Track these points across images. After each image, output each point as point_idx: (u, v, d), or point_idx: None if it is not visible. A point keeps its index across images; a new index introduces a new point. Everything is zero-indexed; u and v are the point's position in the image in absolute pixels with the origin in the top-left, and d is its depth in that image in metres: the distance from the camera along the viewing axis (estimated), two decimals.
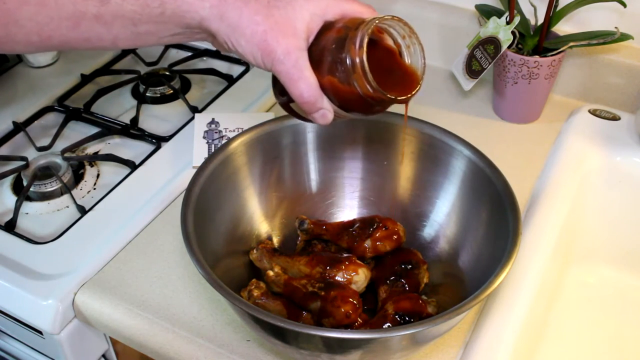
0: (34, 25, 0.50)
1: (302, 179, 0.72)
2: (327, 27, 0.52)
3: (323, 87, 0.52)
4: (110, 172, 0.86)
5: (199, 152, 0.84)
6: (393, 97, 0.51)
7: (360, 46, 0.49)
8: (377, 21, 0.51)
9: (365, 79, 0.49)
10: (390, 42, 0.55)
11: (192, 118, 0.91)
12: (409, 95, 0.53)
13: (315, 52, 0.51)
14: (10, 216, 0.78)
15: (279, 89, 0.55)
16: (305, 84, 0.50)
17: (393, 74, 0.54)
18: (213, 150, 0.83)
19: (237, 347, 0.63)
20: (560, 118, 0.91)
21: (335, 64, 0.50)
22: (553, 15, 0.84)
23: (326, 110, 0.52)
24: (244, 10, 0.49)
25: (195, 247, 0.56)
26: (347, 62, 0.49)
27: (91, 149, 0.90)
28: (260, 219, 0.70)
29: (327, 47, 0.51)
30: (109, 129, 0.92)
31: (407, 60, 0.55)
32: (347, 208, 0.73)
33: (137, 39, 0.52)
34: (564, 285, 0.85)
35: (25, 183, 0.82)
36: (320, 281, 0.61)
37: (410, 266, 0.65)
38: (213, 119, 0.89)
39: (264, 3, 0.50)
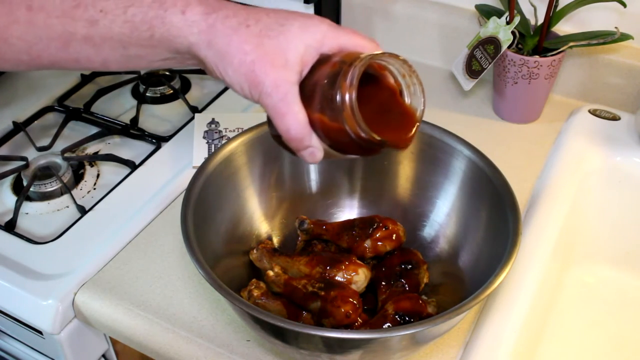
0: (23, 45, 0.49)
1: (302, 179, 0.72)
2: (322, 60, 0.49)
3: (313, 125, 0.48)
4: (110, 172, 0.86)
5: (199, 152, 0.84)
6: (380, 139, 0.47)
7: (351, 83, 0.45)
8: (371, 57, 0.47)
9: (354, 118, 0.46)
10: (392, 79, 0.52)
11: (192, 118, 0.91)
12: (401, 141, 0.49)
13: (307, 87, 0.48)
14: (10, 216, 0.78)
15: (269, 120, 0.52)
16: (293, 119, 0.47)
17: (391, 114, 0.51)
18: (213, 150, 0.83)
19: (237, 347, 0.63)
20: (560, 118, 0.91)
21: (326, 100, 0.47)
22: (553, 15, 0.84)
23: (315, 149, 0.49)
24: (233, 38, 0.47)
25: (195, 247, 0.56)
26: (337, 99, 0.46)
27: (91, 149, 0.90)
28: (260, 219, 0.70)
29: (319, 81, 0.48)
30: (109, 129, 0.92)
31: (407, 100, 0.51)
32: (347, 208, 0.73)
33: (128, 62, 0.51)
34: (564, 285, 0.84)
35: (25, 183, 0.82)
36: (320, 281, 0.61)
37: (410, 266, 0.65)
38: (213, 119, 0.89)
39: (255, 32, 0.47)
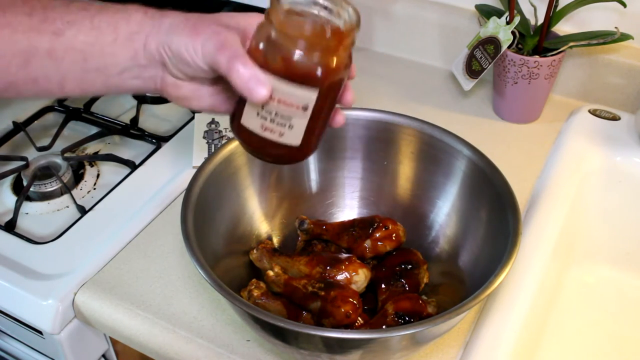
0: None
1: (302, 179, 0.72)
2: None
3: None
4: (110, 172, 0.86)
5: (199, 152, 0.84)
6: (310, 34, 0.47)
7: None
8: None
9: (277, 10, 0.47)
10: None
11: (192, 118, 0.91)
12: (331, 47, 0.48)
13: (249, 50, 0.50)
14: (10, 216, 0.78)
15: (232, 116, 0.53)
16: (242, 61, 0.47)
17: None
18: (213, 150, 0.83)
19: (237, 347, 0.63)
20: (560, 118, 0.91)
21: (261, 36, 0.48)
22: (553, 15, 0.84)
23: (263, 79, 0.48)
24: (190, 20, 0.50)
25: (195, 247, 0.56)
26: (268, 30, 0.47)
27: (91, 149, 0.90)
28: (260, 219, 0.70)
29: (253, 40, 0.49)
30: (109, 129, 0.92)
31: (341, 24, 0.49)
32: (347, 208, 0.73)
33: (85, 80, 0.51)
34: (564, 285, 0.84)
35: (25, 183, 0.82)
36: (320, 281, 0.61)
37: (410, 266, 0.65)
38: (213, 119, 0.89)
39: (205, 17, 0.50)
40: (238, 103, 0.52)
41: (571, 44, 0.83)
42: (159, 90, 0.53)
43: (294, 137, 0.50)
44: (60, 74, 0.51)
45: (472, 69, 0.87)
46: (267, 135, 0.50)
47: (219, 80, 0.52)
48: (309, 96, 0.49)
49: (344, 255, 0.65)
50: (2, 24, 0.49)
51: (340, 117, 0.54)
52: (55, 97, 0.54)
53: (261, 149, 0.52)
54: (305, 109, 0.49)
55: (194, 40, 0.48)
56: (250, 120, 0.51)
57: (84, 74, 0.51)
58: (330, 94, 0.50)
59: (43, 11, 0.50)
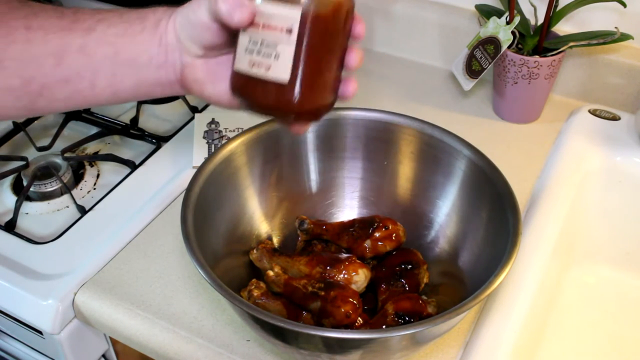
0: (17, 66, 0.50)
1: (302, 179, 0.72)
2: None
3: None
4: (110, 172, 0.86)
5: (199, 152, 0.84)
6: None
7: None
8: None
9: None
10: None
11: (192, 118, 0.91)
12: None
13: None
14: (10, 216, 0.78)
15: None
16: None
17: None
18: (213, 150, 0.83)
19: (237, 347, 0.63)
20: (560, 118, 0.91)
21: None
22: (553, 15, 0.84)
23: (243, 4, 0.48)
24: None
25: (195, 247, 0.56)
26: None
27: (91, 149, 0.90)
28: (260, 219, 0.70)
29: None
30: (109, 129, 0.92)
31: None
32: (347, 208, 0.73)
33: (116, 74, 0.52)
34: (564, 285, 0.84)
35: (25, 183, 0.82)
36: (320, 281, 0.61)
37: (410, 266, 0.65)
38: (213, 119, 0.89)
39: None
40: (234, 52, 0.50)
41: (571, 44, 0.83)
42: (178, 79, 0.53)
43: (281, 69, 0.47)
44: (92, 69, 0.51)
45: (472, 69, 0.87)
46: (255, 71, 0.48)
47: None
48: (292, 15, 0.46)
49: (344, 255, 0.65)
50: (35, 26, 0.50)
51: (355, 55, 0.50)
52: (87, 101, 0.54)
53: (251, 91, 0.49)
54: (289, 31, 0.46)
55: (199, 1, 0.50)
56: (241, 61, 0.48)
57: (115, 68, 0.51)
58: (320, 19, 0.46)
59: (74, 14, 0.51)
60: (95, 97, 0.53)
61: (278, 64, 0.47)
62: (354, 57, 0.50)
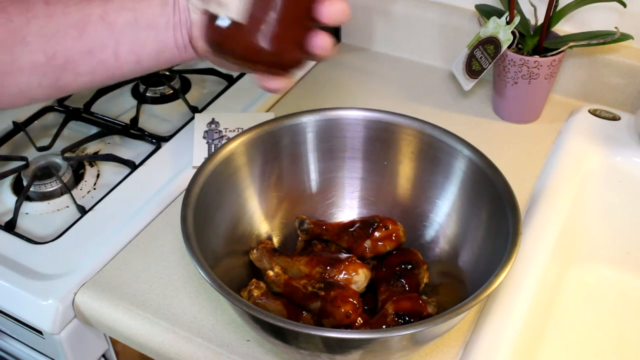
0: (40, 41, 0.50)
1: (302, 179, 0.72)
2: None
3: None
4: (110, 172, 0.86)
5: (199, 152, 0.84)
6: None
7: None
8: None
9: None
10: None
11: (192, 118, 0.91)
12: None
13: None
14: (10, 216, 0.78)
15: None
16: None
17: None
18: (213, 150, 0.83)
19: (237, 347, 0.63)
20: (560, 118, 0.91)
21: None
22: (553, 15, 0.84)
23: None
24: None
25: (195, 247, 0.56)
26: None
27: (91, 149, 0.90)
28: (260, 219, 0.70)
29: None
30: (109, 129, 0.92)
31: None
32: (347, 208, 0.73)
33: (138, 40, 0.52)
34: (564, 285, 0.85)
35: (25, 183, 0.82)
36: (320, 281, 0.61)
37: (410, 266, 0.65)
38: (213, 119, 0.89)
39: None
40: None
41: (571, 44, 0.83)
42: (190, 37, 0.53)
43: (233, 4, 0.47)
44: (114, 38, 0.52)
45: (472, 69, 0.87)
46: (209, 7, 0.48)
47: None
48: None
49: (344, 255, 0.65)
50: (53, 0, 0.50)
51: (331, 4, 0.48)
52: (111, 73, 0.53)
53: (223, 40, 0.48)
54: None
55: None
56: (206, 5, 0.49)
57: (136, 33, 0.52)
58: None
59: None
60: (119, 69, 0.53)
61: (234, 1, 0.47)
62: (328, 6, 0.48)
